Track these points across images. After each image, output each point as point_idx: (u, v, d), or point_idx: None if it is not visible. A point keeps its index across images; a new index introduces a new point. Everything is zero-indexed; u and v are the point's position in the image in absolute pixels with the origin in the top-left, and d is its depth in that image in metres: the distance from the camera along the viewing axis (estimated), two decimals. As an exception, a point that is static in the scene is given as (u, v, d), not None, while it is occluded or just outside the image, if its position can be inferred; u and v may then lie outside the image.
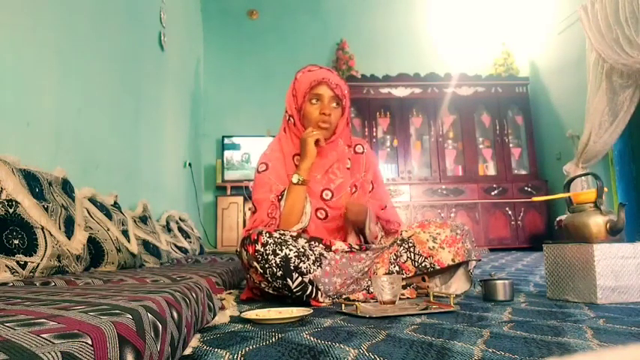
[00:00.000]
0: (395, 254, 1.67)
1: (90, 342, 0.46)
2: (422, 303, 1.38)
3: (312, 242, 1.49)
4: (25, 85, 1.88)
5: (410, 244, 1.66)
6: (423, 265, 1.63)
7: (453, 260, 1.62)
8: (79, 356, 0.43)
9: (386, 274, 1.61)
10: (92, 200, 2.17)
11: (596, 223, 1.41)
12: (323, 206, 1.66)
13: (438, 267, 1.63)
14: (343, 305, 1.32)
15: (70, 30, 2.28)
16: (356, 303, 1.27)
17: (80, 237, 1.79)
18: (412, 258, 1.64)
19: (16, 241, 1.42)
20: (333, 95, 1.65)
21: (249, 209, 1.79)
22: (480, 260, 1.74)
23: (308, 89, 1.65)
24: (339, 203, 1.68)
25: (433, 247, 1.63)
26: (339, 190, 1.69)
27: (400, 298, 1.59)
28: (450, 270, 1.67)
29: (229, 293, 1.71)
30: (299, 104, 1.68)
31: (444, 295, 1.49)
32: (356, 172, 1.75)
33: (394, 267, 1.65)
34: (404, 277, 1.63)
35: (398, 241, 1.68)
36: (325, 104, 1.65)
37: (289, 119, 1.72)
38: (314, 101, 1.65)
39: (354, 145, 1.80)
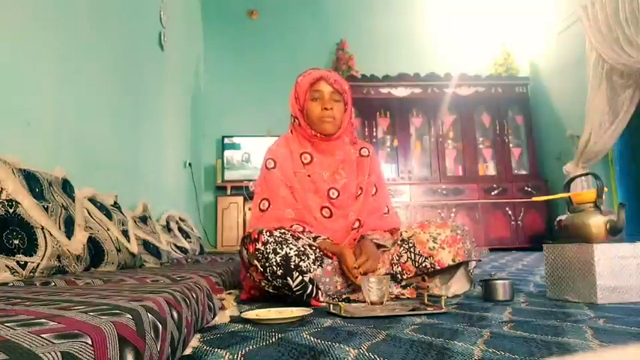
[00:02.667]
0: (397, 255, 1.67)
1: (90, 342, 0.46)
2: (412, 304, 1.38)
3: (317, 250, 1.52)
4: (25, 85, 1.88)
5: (410, 245, 1.67)
6: (423, 265, 1.63)
7: (453, 260, 1.62)
8: (79, 356, 0.43)
9: (387, 274, 1.61)
10: (92, 200, 2.17)
11: (596, 223, 1.41)
12: (328, 205, 1.69)
13: (438, 267, 1.63)
14: (331, 306, 1.31)
15: (70, 30, 2.28)
16: (340, 304, 1.27)
17: (80, 237, 1.78)
18: (412, 258, 1.64)
19: (16, 241, 1.42)
20: (333, 90, 1.68)
21: (250, 209, 1.80)
22: (479, 261, 1.74)
23: (308, 88, 1.69)
24: (344, 203, 1.70)
25: (433, 247, 1.64)
26: (344, 189, 1.71)
27: (400, 298, 1.59)
28: (450, 270, 1.67)
29: (229, 293, 1.72)
30: (301, 104, 1.71)
31: (437, 296, 1.48)
32: (360, 174, 1.77)
33: (396, 267, 1.66)
34: (405, 277, 1.64)
35: (398, 242, 1.69)
36: (326, 99, 1.68)
37: (294, 121, 1.75)
38: (315, 98, 1.68)
39: (359, 147, 1.82)
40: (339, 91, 1.69)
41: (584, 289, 1.38)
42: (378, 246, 1.63)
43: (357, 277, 1.46)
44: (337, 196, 1.69)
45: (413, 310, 1.27)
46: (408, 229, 1.72)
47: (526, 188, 5.51)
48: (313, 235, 1.59)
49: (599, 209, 1.42)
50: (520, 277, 2.20)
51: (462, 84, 5.83)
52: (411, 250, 1.65)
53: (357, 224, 1.70)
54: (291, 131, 1.78)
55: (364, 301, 1.44)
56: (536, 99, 5.82)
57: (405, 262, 1.65)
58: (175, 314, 0.72)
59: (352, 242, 1.68)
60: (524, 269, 2.70)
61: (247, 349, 0.83)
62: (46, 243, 1.52)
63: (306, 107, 1.69)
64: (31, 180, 1.61)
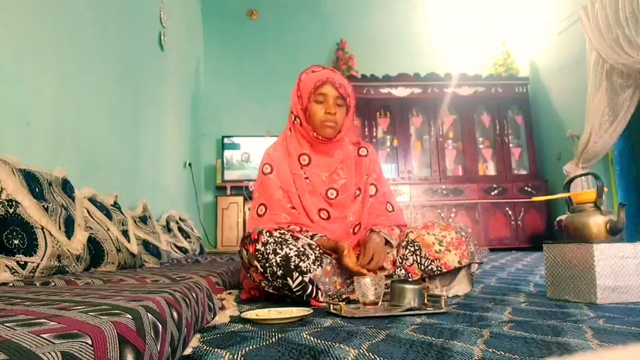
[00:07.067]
0: (400, 257, 1.65)
1: (90, 342, 0.46)
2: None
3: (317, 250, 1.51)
4: (25, 85, 1.88)
5: (416, 247, 1.64)
6: (429, 268, 1.61)
7: (459, 262, 1.60)
8: (79, 356, 0.43)
9: (387, 276, 1.60)
10: (92, 200, 2.17)
11: (596, 223, 1.41)
12: (326, 207, 1.67)
13: (444, 270, 1.61)
14: (331, 306, 1.31)
15: (70, 30, 2.28)
16: (340, 304, 1.27)
17: (80, 237, 1.78)
18: (418, 261, 1.62)
19: (16, 241, 1.42)
20: (338, 95, 1.66)
21: (249, 209, 1.79)
22: (482, 263, 1.73)
23: (312, 89, 1.66)
24: (343, 203, 1.69)
25: (439, 250, 1.61)
26: (342, 190, 1.70)
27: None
28: (452, 272, 1.66)
29: (229, 293, 1.72)
30: (304, 104, 1.68)
31: (437, 296, 1.48)
32: (359, 175, 1.76)
33: (400, 270, 1.64)
34: (410, 279, 1.63)
35: (403, 244, 1.67)
36: (330, 104, 1.65)
37: (295, 119, 1.72)
38: (319, 101, 1.66)
39: (358, 147, 1.81)
40: (344, 96, 1.67)
41: (584, 289, 1.38)
42: (386, 242, 1.61)
43: (358, 269, 1.45)
44: (336, 196, 1.68)
45: (413, 310, 1.27)
46: (414, 230, 1.70)
47: (526, 188, 5.51)
48: (310, 233, 1.58)
49: (599, 209, 1.42)
50: (520, 277, 2.20)
51: (462, 84, 5.83)
52: (417, 252, 1.63)
53: (357, 228, 1.69)
54: (290, 129, 1.75)
55: (354, 301, 1.44)
56: (536, 99, 5.82)
57: (411, 264, 1.63)
58: (175, 314, 0.72)
59: (356, 247, 1.67)
60: (524, 269, 2.70)
61: (247, 349, 0.83)
62: (46, 243, 1.52)
63: (309, 108, 1.67)
64: (31, 180, 1.61)
